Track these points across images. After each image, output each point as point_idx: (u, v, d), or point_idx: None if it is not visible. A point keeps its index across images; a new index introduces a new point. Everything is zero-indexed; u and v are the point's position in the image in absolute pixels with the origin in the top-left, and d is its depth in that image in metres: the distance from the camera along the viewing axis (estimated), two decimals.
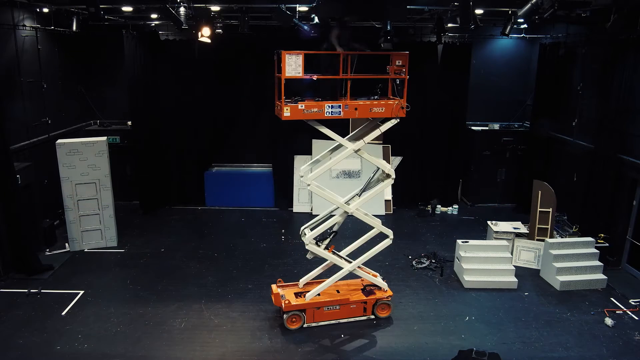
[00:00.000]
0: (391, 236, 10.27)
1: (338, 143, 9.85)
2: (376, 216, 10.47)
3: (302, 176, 9.90)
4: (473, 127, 17.58)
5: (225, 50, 16.13)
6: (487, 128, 17.64)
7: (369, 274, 10.65)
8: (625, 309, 10.97)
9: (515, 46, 17.72)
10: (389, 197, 16.87)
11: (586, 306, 11.14)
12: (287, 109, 9.01)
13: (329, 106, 9.19)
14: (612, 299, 11.43)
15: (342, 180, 16.76)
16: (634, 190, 12.49)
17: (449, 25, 14.06)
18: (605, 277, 11.95)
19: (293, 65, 8.86)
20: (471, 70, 16.91)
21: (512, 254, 12.81)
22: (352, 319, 10.37)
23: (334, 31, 9.52)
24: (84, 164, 13.16)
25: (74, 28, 13.84)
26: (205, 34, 13.21)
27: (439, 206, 17.15)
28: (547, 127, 16.21)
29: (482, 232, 14.84)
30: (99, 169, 13.34)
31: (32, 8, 13.54)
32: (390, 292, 10.55)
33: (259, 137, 17.49)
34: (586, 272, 12.00)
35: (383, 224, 10.41)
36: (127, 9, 13.36)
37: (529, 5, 10.65)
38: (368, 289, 10.61)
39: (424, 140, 17.00)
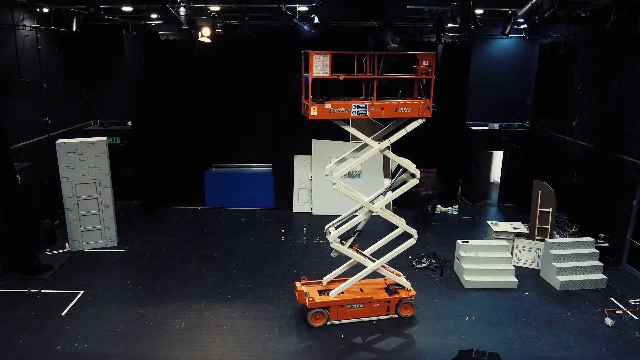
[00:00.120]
0: (415, 236, 10.31)
1: (363, 143, 9.90)
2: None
3: (327, 175, 9.87)
4: (473, 127, 17.58)
5: (225, 50, 16.14)
6: (487, 128, 17.64)
7: (393, 273, 10.71)
8: (625, 309, 10.97)
9: (515, 46, 17.72)
10: None
11: (586, 306, 11.14)
12: (314, 108, 9.02)
13: (355, 106, 9.22)
14: (612, 299, 11.43)
15: (342, 180, 16.61)
16: (634, 190, 12.49)
17: (449, 25, 14.08)
18: (605, 277, 11.95)
19: (321, 65, 8.87)
20: (471, 70, 16.90)
21: (512, 254, 12.81)
22: (375, 318, 10.43)
23: (387, 31, 9.56)
24: (84, 164, 13.16)
25: (74, 28, 13.87)
26: (205, 34, 13.22)
27: (439, 206, 17.15)
28: (547, 127, 16.22)
29: (482, 232, 14.85)
30: (99, 169, 13.34)
31: (32, 8, 13.55)
32: (413, 292, 10.59)
33: (259, 137, 17.49)
34: (586, 272, 11.99)
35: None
36: (127, 9, 13.37)
37: (529, 5, 10.65)
38: (392, 288, 10.65)
39: (424, 140, 16.98)
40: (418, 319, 10.53)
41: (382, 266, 10.45)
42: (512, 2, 11.89)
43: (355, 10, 12.40)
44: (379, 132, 10.32)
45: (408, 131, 9.66)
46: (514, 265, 12.34)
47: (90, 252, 13.51)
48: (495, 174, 19.89)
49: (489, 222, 13.89)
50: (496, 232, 13.35)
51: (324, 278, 10.76)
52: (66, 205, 13.26)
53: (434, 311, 10.84)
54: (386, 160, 16.47)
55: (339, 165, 10.10)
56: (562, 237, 13.39)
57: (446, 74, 16.48)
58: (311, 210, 16.88)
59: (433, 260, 13.13)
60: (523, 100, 17.84)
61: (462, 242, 12.54)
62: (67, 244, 13.62)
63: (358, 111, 9.26)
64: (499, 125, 17.77)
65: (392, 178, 10.43)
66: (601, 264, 12.13)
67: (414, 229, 10.31)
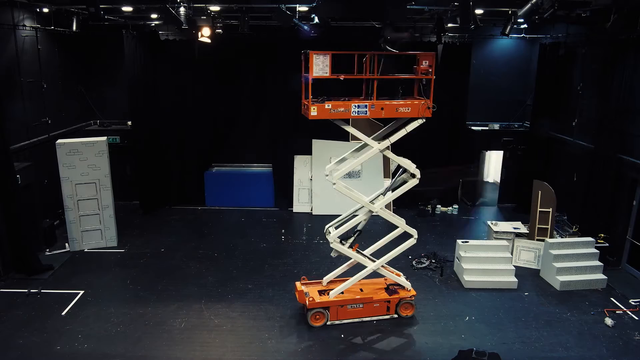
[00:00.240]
0: (415, 235, 10.33)
1: (363, 143, 9.90)
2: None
3: (327, 175, 9.87)
4: (473, 127, 17.58)
5: (225, 50, 16.14)
6: (487, 128, 17.64)
7: (393, 273, 10.72)
8: (625, 309, 10.97)
9: (515, 46, 17.71)
10: None
11: (586, 306, 11.14)
12: (314, 108, 9.04)
13: (355, 106, 9.23)
14: (612, 299, 11.43)
15: (342, 180, 16.63)
16: (634, 190, 12.49)
17: (449, 25, 14.06)
18: (605, 277, 11.95)
19: (321, 65, 8.89)
20: (471, 70, 16.91)
21: (512, 254, 12.81)
22: (375, 318, 10.43)
23: (396, 32, 9.62)
24: (84, 164, 13.16)
25: (74, 28, 13.86)
26: (205, 34, 13.21)
27: (439, 206, 17.15)
28: (547, 127, 16.22)
29: (482, 232, 14.85)
30: (99, 169, 13.34)
31: (32, 8, 13.55)
32: (413, 292, 10.60)
33: (259, 137, 17.49)
34: (586, 272, 11.99)
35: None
36: (127, 9, 13.36)
37: (529, 5, 10.65)
38: (391, 288, 10.66)
39: (424, 140, 16.98)
40: (418, 319, 10.53)
41: (382, 266, 10.46)
42: (512, 2, 11.89)
43: (355, 10, 12.41)
44: (379, 132, 10.33)
45: (408, 131, 9.66)
46: (514, 265, 12.34)
47: (90, 252, 13.51)
48: (493, 174, 19.93)
49: (489, 222, 13.90)
50: (496, 232, 13.36)
51: (324, 278, 10.76)
52: (66, 205, 13.26)
53: (434, 311, 10.84)
54: (386, 160, 16.47)
55: (339, 165, 10.11)
56: (562, 237, 13.38)
57: (446, 74, 16.49)
58: (311, 210, 16.88)
59: (433, 260, 13.13)
60: (523, 100, 17.84)
61: (462, 242, 12.54)
62: (67, 244, 13.62)
63: (358, 111, 9.26)
64: (499, 125, 17.78)
65: (392, 178, 10.43)
66: (601, 264, 12.13)
67: (414, 229, 10.31)
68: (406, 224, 10.37)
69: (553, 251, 12.15)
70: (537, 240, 13.08)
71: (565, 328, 10.26)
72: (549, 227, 13.11)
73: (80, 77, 16.97)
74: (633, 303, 11.17)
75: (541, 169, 15.98)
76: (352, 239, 10.27)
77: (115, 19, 14.75)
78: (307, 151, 16.81)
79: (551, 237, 13.04)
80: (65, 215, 13.41)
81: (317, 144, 16.71)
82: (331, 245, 10.06)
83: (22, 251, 12.03)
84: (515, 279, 11.92)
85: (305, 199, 17.08)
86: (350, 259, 10.40)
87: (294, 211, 17.02)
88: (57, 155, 12.95)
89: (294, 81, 16.23)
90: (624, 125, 12.58)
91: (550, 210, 13.08)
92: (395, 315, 10.50)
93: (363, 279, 10.47)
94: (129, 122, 16.75)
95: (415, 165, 9.84)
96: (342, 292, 10.30)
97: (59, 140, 13.16)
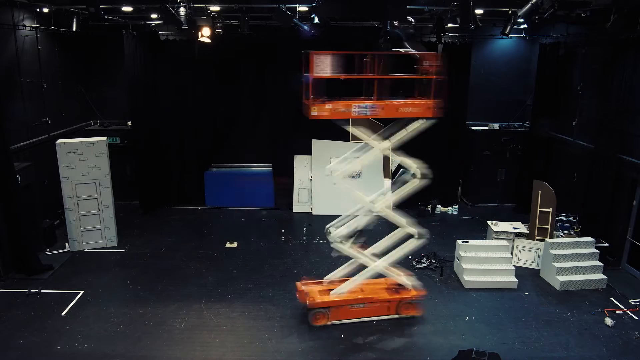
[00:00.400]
0: (416, 236, 10.32)
1: (364, 143, 9.92)
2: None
3: (328, 174, 9.88)
4: (473, 127, 17.58)
5: (225, 50, 16.14)
6: (487, 128, 17.64)
7: (394, 272, 10.70)
8: (625, 309, 10.97)
9: (515, 46, 17.72)
10: None
11: (586, 306, 11.14)
12: (315, 108, 9.04)
13: (356, 105, 9.23)
14: (612, 299, 11.43)
15: (344, 180, 16.69)
16: (634, 190, 12.49)
17: (449, 25, 14.06)
18: (605, 277, 11.95)
19: (321, 65, 8.91)
20: (471, 70, 16.91)
21: (512, 254, 12.81)
22: (376, 318, 10.42)
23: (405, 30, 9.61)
24: (84, 164, 13.16)
25: (74, 28, 13.86)
26: (205, 34, 13.21)
27: (439, 206, 17.15)
28: (547, 127, 16.22)
29: (482, 232, 14.83)
30: (99, 169, 13.34)
31: (32, 8, 13.54)
32: (414, 292, 10.57)
33: (259, 137, 17.49)
34: (586, 272, 11.99)
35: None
36: (127, 9, 13.37)
37: (529, 5, 10.66)
38: (393, 288, 10.66)
39: (423, 140, 16.96)
40: (418, 319, 10.51)
41: (384, 266, 10.45)
42: (512, 2, 11.90)
43: (355, 10, 12.42)
44: (387, 132, 10.27)
45: (409, 131, 9.63)
46: (514, 265, 12.35)
47: (90, 252, 13.51)
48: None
49: (489, 222, 13.90)
50: (496, 232, 13.36)
51: (325, 278, 10.76)
52: (66, 205, 13.25)
53: (434, 311, 10.83)
54: (386, 160, 16.46)
55: (341, 165, 10.10)
56: (561, 237, 13.35)
57: (446, 74, 16.52)
58: (311, 210, 16.88)
59: (433, 260, 13.13)
60: (523, 100, 17.85)
61: (462, 242, 12.54)
62: (67, 244, 13.62)
63: (359, 111, 9.26)
64: (499, 125, 17.77)
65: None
66: (601, 264, 12.13)
67: (415, 229, 10.30)
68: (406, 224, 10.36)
69: (553, 251, 12.15)
70: (537, 240, 13.08)
71: (565, 328, 10.26)
72: (549, 227, 13.11)
73: (80, 77, 16.97)
74: (633, 303, 11.17)
75: (541, 169, 15.98)
76: (353, 238, 10.25)
77: (115, 19, 14.75)
78: (307, 151, 16.80)
79: (551, 237, 13.04)
80: (65, 215, 13.41)
81: (317, 144, 16.71)
82: (332, 245, 10.06)
83: (22, 251, 12.03)
84: (515, 279, 11.92)
85: (305, 199, 17.08)
86: (352, 258, 10.39)
87: (294, 211, 17.01)
88: (57, 155, 12.95)
89: (294, 81, 16.31)
90: (624, 125, 12.58)
91: (550, 210, 13.09)
92: (397, 316, 10.49)
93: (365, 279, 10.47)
94: (129, 122, 16.75)
95: (417, 166, 9.83)
96: (344, 292, 10.30)
97: (59, 140, 13.16)
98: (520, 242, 13.12)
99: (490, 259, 12.24)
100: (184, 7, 11.54)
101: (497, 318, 10.62)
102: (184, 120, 16.83)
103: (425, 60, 9.35)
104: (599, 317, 10.65)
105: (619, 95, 12.50)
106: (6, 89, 12.64)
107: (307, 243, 14.43)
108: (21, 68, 13.35)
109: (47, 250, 13.39)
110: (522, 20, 12.23)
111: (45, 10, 13.65)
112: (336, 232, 9.98)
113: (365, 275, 10.35)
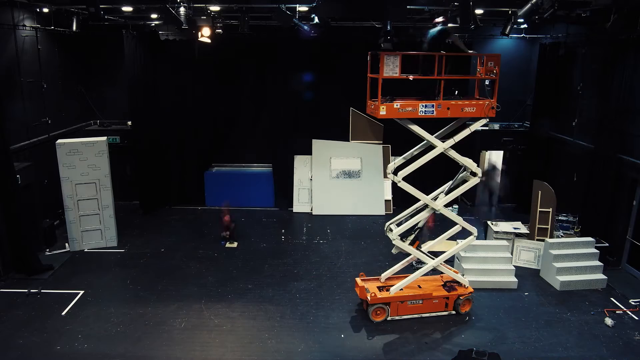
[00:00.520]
0: (475, 233, 10.51)
1: (425, 142, 10.06)
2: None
3: (389, 173, 9.90)
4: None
5: (225, 50, 16.14)
6: (487, 128, 17.62)
7: (451, 270, 10.86)
8: (625, 309, 10.97)
9: (515, 46, 17.71)
10: (389, 197, 16.85)
11: (586, 306, 11.14)
12: (383, 108, 9.22)
13: (423, 105, 9.40)
14: (612, 299, 11.43)
15: (342, 180, 16.75)
16: (634, 190, 12.49)
17: (449, 25, 14.03)
18: (605, 277, 11.95)
19: (391, 65, 9.08)
20: (471, 71, 16.86)
21: (512, 254, 12.80)
22: (434, 314, 10.55)
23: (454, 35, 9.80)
24: (84, 164, 13.16)
25: (74, 28, 13.87)
26: (205, 34, 13.21)
27: None
28: (547, 127, 16.21)
29: (482, 232, 14.81)
30: (99, 169, 13.34)
31: (32, 8, 13.54)
32: (471, 289, 10.70)
33: (259, 137, 17.49)
34: (586, 272, 11.99)
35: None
36: (127, 9, 13.37)
37: (529, 5, 10.65)
38: (449, 285, 10.78)
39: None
40: (418, 318, 10.51)
41: (441, 263, 10.60)
42: (512, 2, 11.89)
43: (355, 10, 12.42)
44: (441, 131, 10.37)
45: (472, 130, 9.85)
46: (514, 265, 12.34)
47: (90, 252, 13.51)
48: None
49: (489, 222, 13.89)
50: (496, 232, 13.35)
51: (382, 274, 10.88)
52: (66, 205, 13.25)
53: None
54: (386, 160, 16.46)
55: (402, 164, 10.11)
56: (561, 237, 13.34)
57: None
58: (311, 210, 16.88)
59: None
60: (523, 100, 17.83)
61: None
62: (67, 244, 13.62)
63: (425, 110, 9.44)
64: (499, 125, 17.77)
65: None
66: (601, 264, 12.13)
67: (473, 227, 10.46)
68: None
69: (553, 251, 12.15)
70: (537, 240, 13.07)
71: (565, 328, 10.26)
72: (549, 227, 13.10)
73: (80, 77, 16.97)
74: (633, 303, 11.17)
75: (541, 169, 15.97)
76: (413, 236, 10.40)
77: (115, 19, 14.76)
78: (307, 151, 16.81)
79: (551, 237, 13.03)
80: (65, 215, 13.41)
81: (317, 144, 16.71)
82: (393, 242, 10.18)
83: (22, 251, 12.03)
84: (515, 279, 11.92)
85: (305, 199, 17.08)
86: (409, 256, 10.57)
87: (294, 211, 17.01)
88: (57, 155, 12.95)
89: (294, 81, 16.33)
90: (624, 125, 12.58)
91: (550, 210, 13.08)
92: (454, 312, 10.60)
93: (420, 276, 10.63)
94: (129, 122, 16.75)
95: (477, 164, 9.96)
96: (402, 289, 10.41)
97: (59, 140, 13.16)
98: (520, 242, 13.12)
99: (490, 259, 12.23)
100: (184, 7, 11.53)
101: (497, 318, 10.62)
102: (184, 120, 16.83)
103: (490, 61, 9.51)
104: (599, 317, 10.65)
105: (619, 95, 12.50)
106: (6, 89, 12.65)
107: (307, 243, 14.42)
108: (21, 68, 13.35)
109: (47, 250, 13.40)
110: (522, 20, 12.22)
111: (45, 10, 13.66)
112: (397, 229, 10.09)
113: (422, 272, 10.50)
